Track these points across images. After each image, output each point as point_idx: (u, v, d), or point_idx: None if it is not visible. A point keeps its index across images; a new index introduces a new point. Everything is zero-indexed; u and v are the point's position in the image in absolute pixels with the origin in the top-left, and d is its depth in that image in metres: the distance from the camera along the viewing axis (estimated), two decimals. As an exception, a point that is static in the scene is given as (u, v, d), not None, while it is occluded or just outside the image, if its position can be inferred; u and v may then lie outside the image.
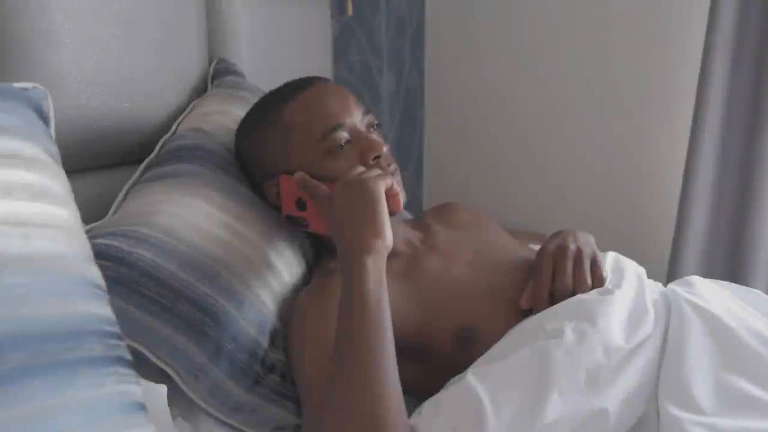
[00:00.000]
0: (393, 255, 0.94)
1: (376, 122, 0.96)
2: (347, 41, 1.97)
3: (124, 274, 0.78)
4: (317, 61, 1.61)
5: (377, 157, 0.91)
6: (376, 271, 0.74)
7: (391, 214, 0.82)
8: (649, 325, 0.82)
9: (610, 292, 0.85)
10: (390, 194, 0.84)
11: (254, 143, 0.98)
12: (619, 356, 0.76)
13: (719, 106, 1.71)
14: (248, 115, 1.02)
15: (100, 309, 0.53)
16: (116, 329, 0.55)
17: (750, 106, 1.70)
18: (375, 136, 0.94)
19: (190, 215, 0.88)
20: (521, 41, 2.11)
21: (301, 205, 0.92)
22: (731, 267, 1.81)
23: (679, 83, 1.87)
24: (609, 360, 0.76)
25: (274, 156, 0.95)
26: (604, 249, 1.03)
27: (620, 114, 1.98)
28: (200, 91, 1.22)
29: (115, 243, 0.81)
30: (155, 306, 0.79)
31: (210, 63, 1.27)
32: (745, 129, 1.71)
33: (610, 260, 0.95)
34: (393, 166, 0.93)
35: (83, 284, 0.52)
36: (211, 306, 0.82)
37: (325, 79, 0.99)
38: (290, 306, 0.93)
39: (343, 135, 0.91)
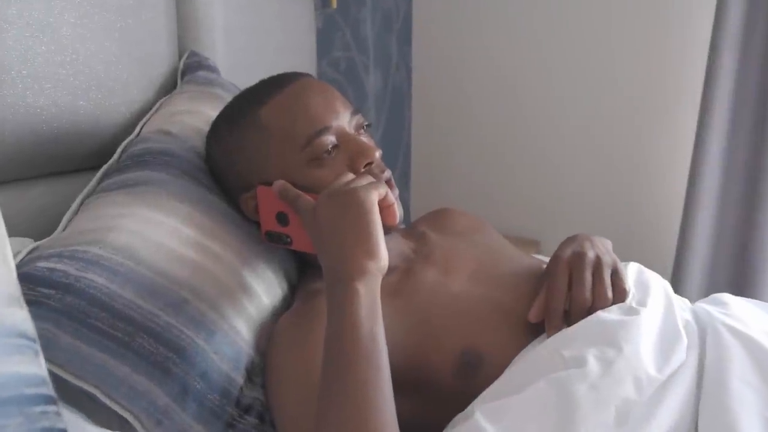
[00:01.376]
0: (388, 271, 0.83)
1: (366, 123, 0.87)
2: (331, 36, 1.89)
3: (70, 304, 0.68)
4: (300, 56, 1.50)
5: (369, 164, 0.82)
6: (369, 297, 0.66)
7: (386, 231, 0.71)
8: (682, 351, 0.73)
9: (635, 312, 0.76)
10: (384, 205, 0.73)
11: (227, 149, 0.87)
12: (651, 389, 0.67)
13: (725, 108, 1.66)
14: (220, 116, 0.91)
15: (23, 366, 0.41)
16: (46, 390, 0.43)
17: (757, 108, 1.65)
18: (365, 139, 0.86)
19: (153, 232, 0.78)
20: (515, 37, 2.05)
21: (282, 219, 0.82)
22: (737, 274, 1.76)
23: (684, 83, 1.82)
24: (640, 394, 0.67)
25: (250, 164, 0.85)
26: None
27: (621, 115, 1.94)
28: (169, 87, 1.11)
29: (60, 266, 0.70)
30: (109, 341, 0.68)
31: (180, 56, 1.16)
32: (751, 133, 1.66)
33: (632, 272, 0.86)
34: (387, 173, 0.84)
35: (-2, 335, 0.40)
36: (176, 339, 0.72)
37: (308, 76, 0.89)
38: (269, 334, 0.83)
39: (330, 139, 0.81)
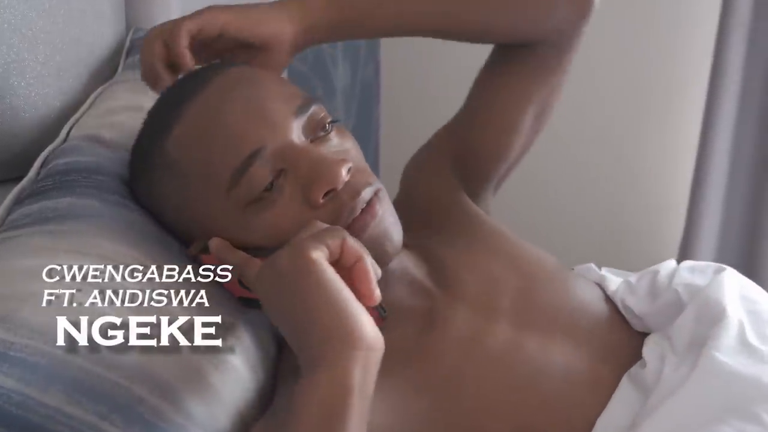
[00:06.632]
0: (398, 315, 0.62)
1: (329, 120, 0.61)
2: None
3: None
4: None
5: (331, 192, 0.57)
6: (338, 389, 0.46)
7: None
8: None
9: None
10: (344, 266, 0.50)
11: (149, 198, 0.64)
12: None
13: (733, 103, 1.54)
14: (132, 152, 0.66)
15: None
16: None
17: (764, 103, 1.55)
18: (326, 149, 0.60)
19: None
20: (497, 27, 1.90)
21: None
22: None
23: (688, 70, 1.72)
24: None
25: (180, 214, 0.62)
26: (601, 263, 0.77)
27: (615, 111, 1.83)
28: (111, 75, 0.87)
29: None
30: None
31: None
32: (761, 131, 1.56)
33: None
34: (365, 194, 0.58)
35: None
36: None
37: (226, 68, 0.63)
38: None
39: (264, 171, 0.57)
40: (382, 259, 0.56)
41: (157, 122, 0.62)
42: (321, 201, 0.57)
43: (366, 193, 0.58)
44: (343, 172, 0.56)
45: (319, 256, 0.48)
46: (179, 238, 0.64)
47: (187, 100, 0.59)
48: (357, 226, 0.57)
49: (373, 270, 0.50)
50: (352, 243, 0.50)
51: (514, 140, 0.78)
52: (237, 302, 0.61)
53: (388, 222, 0.60)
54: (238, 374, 0.58)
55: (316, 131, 0.60)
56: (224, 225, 0.58)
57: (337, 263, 0.49)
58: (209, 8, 0.64)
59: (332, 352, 0.46)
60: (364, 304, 0.48)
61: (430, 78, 2.04)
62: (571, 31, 0.74)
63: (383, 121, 2.16)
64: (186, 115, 0.59)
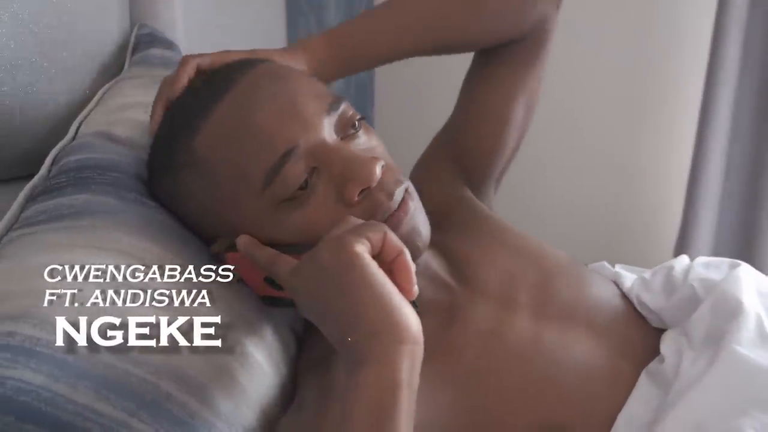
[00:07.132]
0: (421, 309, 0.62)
1: (357, 117, 0.60)
2: (294, 21, 1.70)
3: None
4: (271, 33, 1.34)
5: (365, 190, 0.57)
6: (386, 384, 0.46)
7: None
8: None
9: None
10: (386, 260, 0.50)
11: (171, 199, 0.63)
12: None
13: (730, 97, 1.54)
14: (151, 153, 0.65)
15: None
16: None
17: (760, 103, 1.54)
18: (355, 146, 0.59)
19: None
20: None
21: (274, 282, 0.59)
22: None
23: (684, 69, 1.71)
24: None
25: (205, 214, 0.61)
26: (597, 262, 0.78)
27: (613, 108, 1.82)
28: (119, 72, 0.87)
29: None
30: None
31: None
32: (755, 130, 1.56)
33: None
34: (397, 194, 0.58)
35: None
36: None
37: (254, 66, 0.62)
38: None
39: (300, 168, 0.57)
40: (412, 254, 0.56)
41: (183, 121, 0.61)
42: (356, 199, 0.57)
43: (398, 191, 0.58)
44: (378, 170, 0.56)
45: (363, 250, 0.48)
46: (200, 236, 0.63)
47: (216, 99, 0.59)
48: (391, 222, 0.57)
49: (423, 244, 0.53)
50: (393, 237, 0.50)
51: (510, 134, 0.81)
52: (258, 301, 0.61)
53: (419, 219, 0.60)
54: (262, 371, 0.58)
55: (346, 129, 0.60)
56: (254, 223, 0.58)
57: (376, 257, 0.49)
58: (221, 51, 0.67)
59: (380, 346, 0.46)
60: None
61: (424, 80, 1.98)
62: (549, 20, 0.78)
63: (377, 122, 2.13)
64: (215, 113, 0.58)
